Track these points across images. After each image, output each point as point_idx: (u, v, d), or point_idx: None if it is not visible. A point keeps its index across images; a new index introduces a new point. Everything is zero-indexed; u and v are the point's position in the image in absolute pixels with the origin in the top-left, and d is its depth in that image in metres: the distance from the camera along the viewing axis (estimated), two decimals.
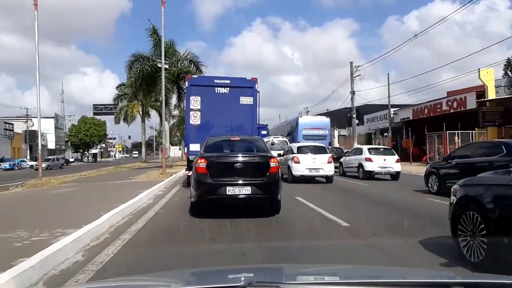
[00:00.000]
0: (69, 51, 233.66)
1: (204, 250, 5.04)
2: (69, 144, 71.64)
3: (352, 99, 34.08)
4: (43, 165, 20.42)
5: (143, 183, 13.61)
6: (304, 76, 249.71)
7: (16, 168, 44.26)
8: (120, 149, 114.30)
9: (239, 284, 1.46)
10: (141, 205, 8.85)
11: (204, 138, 9.00)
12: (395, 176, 16.15)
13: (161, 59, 20.64)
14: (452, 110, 27.03)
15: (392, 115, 34.82)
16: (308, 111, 48.18)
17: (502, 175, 4.41)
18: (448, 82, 78.54)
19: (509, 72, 41.17)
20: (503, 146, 9.30)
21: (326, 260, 4.55)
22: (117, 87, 45.33)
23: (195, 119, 13.41)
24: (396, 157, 16.63)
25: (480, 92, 25.10)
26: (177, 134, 63.06)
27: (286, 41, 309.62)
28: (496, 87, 25.80)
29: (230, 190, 6.97)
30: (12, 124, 55.70)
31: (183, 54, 29.18)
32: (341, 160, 19.01)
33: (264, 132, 21.79)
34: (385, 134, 35.59)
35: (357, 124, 36.50)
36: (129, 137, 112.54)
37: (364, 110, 40.43)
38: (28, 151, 57.18)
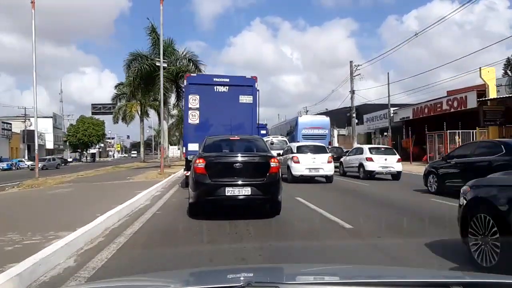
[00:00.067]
0: (69, 51, 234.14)
1: (203, 252, 4.88)
2: (67, 144, 71.41)
3: (352, 98, 33.92)
4: (39, 165, 20.16)
5: (141, 184, 13.44)
6: (304, 75, 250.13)
7: (14, 168, 44.00)
8: (119, 149, 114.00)
9: (238, 284, 1.45)
10: (138, 206, 8.68)
11: (202, 137, 8.80)
12: (396, 176, 15.99)
13: (159, 58, 20.47)
14: (452, 110, 26.90)
15: (392, 115, 34.68)
16: (307, 111, 48.02)
17: None
18: (447, 82, 78.19)
19: (509, 72, 41.06)
20: (502, 146, 9.25)
21: (329, 262, 4.43)
22: (115, 87, 45.24)
23: (193, 118, 13.20)
24: (397, 156, 16.48)
25: (481, 91, 24.96)
26: (176, 134, 62.87)
27: (286, 41, 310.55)
28: (497, 86, 25.65)
29: (229, 191, 6.80)
30: (10, 123, 55.41)
31: (182, 53, 29.01)
32: (342, 159, 18.88)
33: (263, 132, 21.63)
34: (385, 133, 35.46)
35: (357, 124, 36.34)
36: (128, 136, 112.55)
37: (363, 110, 40.32)
38: (26, 151, 56.90)
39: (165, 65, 22.23)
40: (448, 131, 25.24)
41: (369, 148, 17.25)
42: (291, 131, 29.23)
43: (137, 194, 9.60)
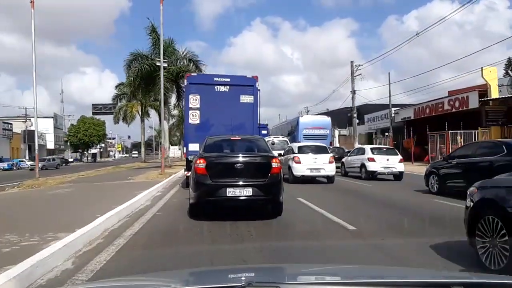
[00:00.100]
0: (69, 51, 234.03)
1: (203, 253, 4.81)
2: (68, 144, 71.41)
3: (353, 98, 33.79)
4: (39, 165, 20.10)
5: (142, 184, 13.37)
6: (304, 76, 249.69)
7: (14, 168, 43.99)
8: (120, 149, 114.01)
9: (239, 284, 1.44)
10: (139, 207, 8.60)
11: (203, 137, 8.69)
12: (398, 176, 15.90)
13: (160, 57, 20.40)
14: (454, 110, 26.78)
15: (393, 115, 34.57)
16: (308, 111, 47.90)
17: None
18: (447, 82, 78.20)
19: (509, 72, 40.92)
20: (503, 146, 9.20)
21: (331, 263, 4.37)
22: (116, 87, 45.16)
23: (194, 118, 13.11)
24: (399, 157, 16.38)
25: (483, 91, 24.86)
26: (177, 134, 62.80)
27: (286, 41, 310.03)
28: (498, 86, 25.54)
29: (230, 192, 6.71)
30: (11, 124, 55.40)
31: (183, 53, 28.95)
32: (343, 160, 18.80)
33: (264, 132, 21.53)
34: (386, 133, 35.35)
35: (358, 124, 36.22)
36: (129, 137, 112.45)
37: (364, 110, 40.17)
38: (27, 151, 56.88)
39: (166, 65, 22.15)
40: (450, 131, 25.11)
41: (371, 149, 17.16)
42: (292, 131, 29.13)
43: (137, 195, 9.53)
